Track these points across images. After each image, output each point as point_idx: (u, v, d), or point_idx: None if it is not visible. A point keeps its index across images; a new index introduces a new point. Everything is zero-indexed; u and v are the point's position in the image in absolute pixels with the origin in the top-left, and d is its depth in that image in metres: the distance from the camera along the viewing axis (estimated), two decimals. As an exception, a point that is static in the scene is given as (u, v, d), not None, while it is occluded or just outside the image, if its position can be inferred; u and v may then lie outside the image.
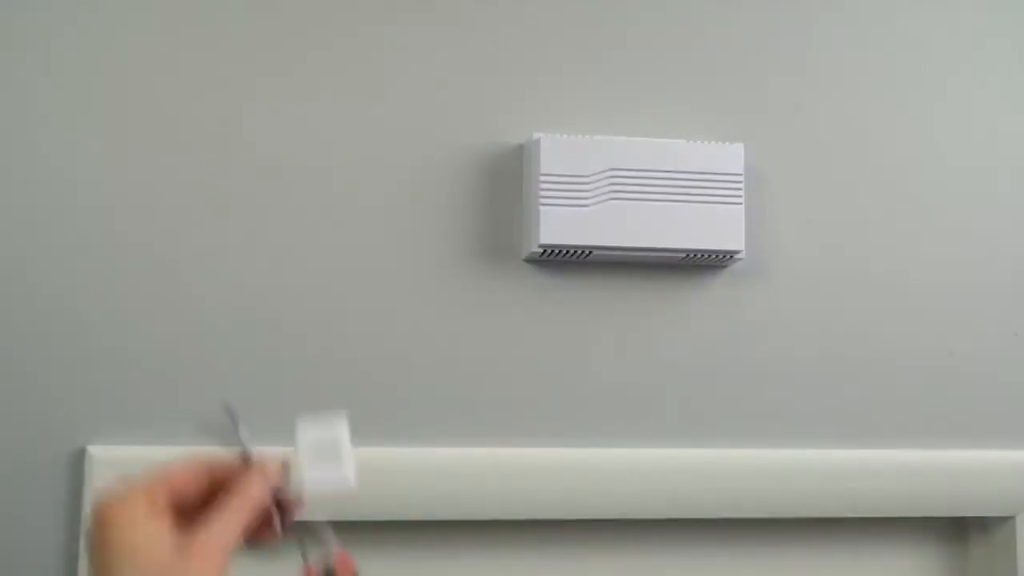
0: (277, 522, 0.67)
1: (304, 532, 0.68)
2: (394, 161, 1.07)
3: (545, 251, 1.05)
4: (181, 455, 0.66)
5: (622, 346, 1.09)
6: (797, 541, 1.14)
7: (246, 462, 0.67)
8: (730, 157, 1.08)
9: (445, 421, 1.05)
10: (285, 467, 0.67)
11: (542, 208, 1.03)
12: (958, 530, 1.18)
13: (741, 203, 1.07)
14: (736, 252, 1.07)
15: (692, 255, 1.07)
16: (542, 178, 1.04)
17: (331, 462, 0.68)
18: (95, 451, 0.97)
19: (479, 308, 1.07)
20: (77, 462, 0.97)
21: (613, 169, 1.05)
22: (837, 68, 1.16)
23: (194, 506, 0.65)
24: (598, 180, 1.05)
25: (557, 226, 1.03)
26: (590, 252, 1.05)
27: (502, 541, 1.08)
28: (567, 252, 1.05)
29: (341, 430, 0.68)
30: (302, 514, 0.68)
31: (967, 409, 1.15)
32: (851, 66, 1.16)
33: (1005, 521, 1.14)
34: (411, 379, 1.05)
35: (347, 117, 1.06)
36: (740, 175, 1.07)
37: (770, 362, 1.12)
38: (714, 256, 1.07)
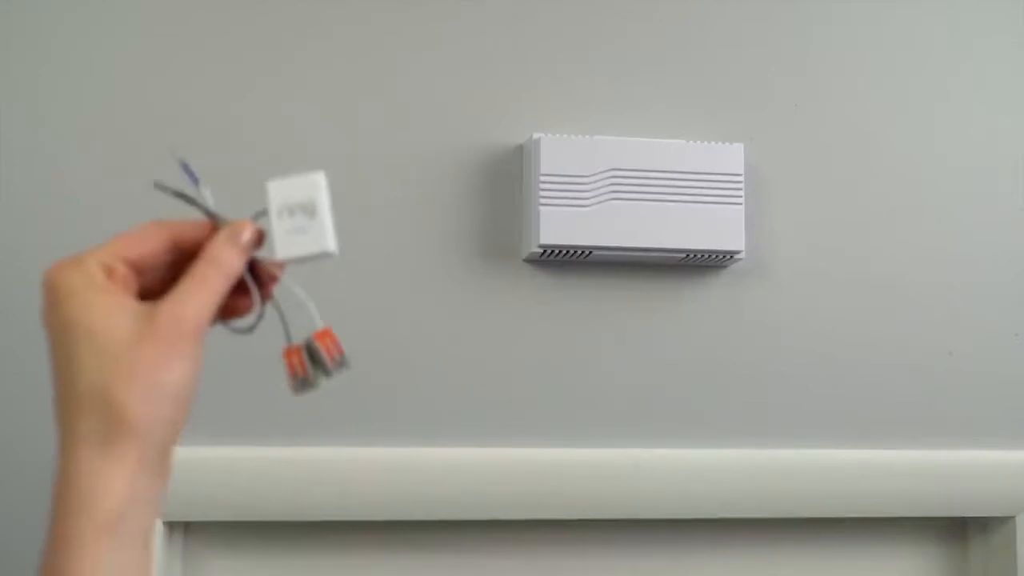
0: (255, 293, 0.58)
1: (283, 305, 0.59)
2: (394, 161, 1.07)
3: (545, 251, 1.05)
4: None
5: (622, 346, 1.09)
6: (797, 541, 1.14)
7: (214, 226, 0.57)
8: (730, 157, 1.08)
9: (445, 421, 1.05)
10: (259, 231, 0.57)
11: (542, 208, 1.03)
12: (958, 530, 1.18)
13: (741, 203, 1.07)
14: (736, 252, 1.07)
15: (692, 255, 1.07)
16: (542, 178, 1.04)
17: (308, 224, 0.58)
18: (95, 451, 0.96)
19: (479, 308, 1.07)
20: (77, 462, 0.97)
21: (613, 169, 1.05)
22: (837, 68, 1.16)
23: (158, 281, 0.55)
24: (598, 180, 1.05)
25: (557, 226, 1.03)
26: (590, 252, 1.05)
27: (502, 541, 1.08)
28: (567, 252, 1.05)
29: (318, 190, 0.59)
30: (281, 284, 0.59)
31: (967, 409, 1.15)
32: (851, 66, 1.16)
33: (1005, 521, 1.14)
34: (411, 379, 1.05)
35: (346, 117, 1.06)
36: (740, 175, 1.07)
37: (770, 362, 1.12)
38: (714, 256, 1.07)
